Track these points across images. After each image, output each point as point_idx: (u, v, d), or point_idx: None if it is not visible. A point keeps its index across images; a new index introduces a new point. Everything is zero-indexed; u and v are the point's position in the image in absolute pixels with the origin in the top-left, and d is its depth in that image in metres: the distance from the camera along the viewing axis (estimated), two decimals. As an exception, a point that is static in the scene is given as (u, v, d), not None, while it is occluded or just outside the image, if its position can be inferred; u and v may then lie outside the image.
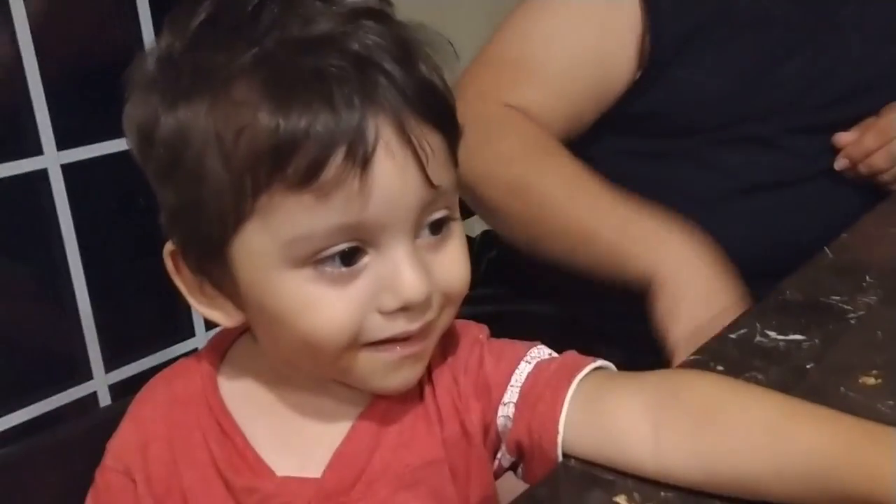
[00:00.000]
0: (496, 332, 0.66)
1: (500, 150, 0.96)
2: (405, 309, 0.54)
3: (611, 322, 1.06)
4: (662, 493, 0.54)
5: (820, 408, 0.53)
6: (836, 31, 1.01)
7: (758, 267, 0.96)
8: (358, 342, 0.55)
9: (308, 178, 0.50)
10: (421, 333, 0.56)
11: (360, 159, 0.50)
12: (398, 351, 0.56)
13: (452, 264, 0.57)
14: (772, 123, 0.99)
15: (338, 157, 0.50)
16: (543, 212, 0.93)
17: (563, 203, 0.92)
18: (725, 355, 0.68)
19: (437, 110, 0.54)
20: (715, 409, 0.54)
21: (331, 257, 0.53)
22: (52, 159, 1.50)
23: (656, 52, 0.99)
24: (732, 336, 0.71)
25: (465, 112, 1.00)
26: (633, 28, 0.99)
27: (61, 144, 1.51)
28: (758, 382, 0.63)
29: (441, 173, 0.54)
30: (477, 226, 1.26)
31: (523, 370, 0.61)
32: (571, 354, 0.62)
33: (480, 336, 0.64)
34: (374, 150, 0.51)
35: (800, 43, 0.99)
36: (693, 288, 0.84)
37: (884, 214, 0.93)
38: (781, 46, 0.99)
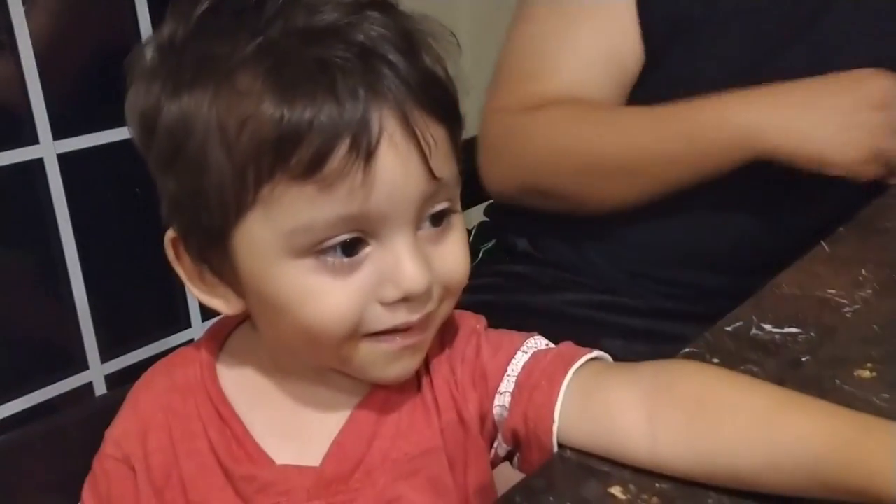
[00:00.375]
0: (493, 323, 0.66)
1: (539, 150, 0.98)
2: (406, 300, 0.54)
3: (608, 313, 1.06)
4: (657, 485, 0.54)
5: (814, 400, 0.53)
6: (833, 24, 1.01)
7: (754, 260, 0.96)
8: (358, 333, 0.55)
9: (311, 169, 0.50)
10: (421, 324, 0.56)
11: (364, 151, 0.50)
12: (398, 341, 0.56)
13: (453, 256, 0.57)
14: None
15: (341, 149, 0.50)
16: (619, 172, 0.95)
17: (623, 147, 0.95)
18: (721, 348, 0.68)
19: (440, 102, 0.54)
20: (709, 400, 0.54)
21: (332, 248, 0.53)
22: (48, 149, 1.50)
23: (650, 43, 0.99)
24: (728, 329, 0.71)
25: (491, 128, 1.02)
26: (634, 18, 0.99)
27: (57, 134, 1.51)
28: (753, 375, 0.63)
29: (443, 165, 0.54)
30: (474, 216, 1.26)
31: (520, 360, 0.61)
32: (568, 345, 0.63)
33: (478, 326, 0.64)
34: (378, 141, 0.51)
35: (795, 35, 0.99)
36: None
37: (880, 209, 0.93)
38: (774, 39, 0.99)
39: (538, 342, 0.63)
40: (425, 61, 0.54)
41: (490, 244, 1.21)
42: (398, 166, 0.52)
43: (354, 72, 0.50)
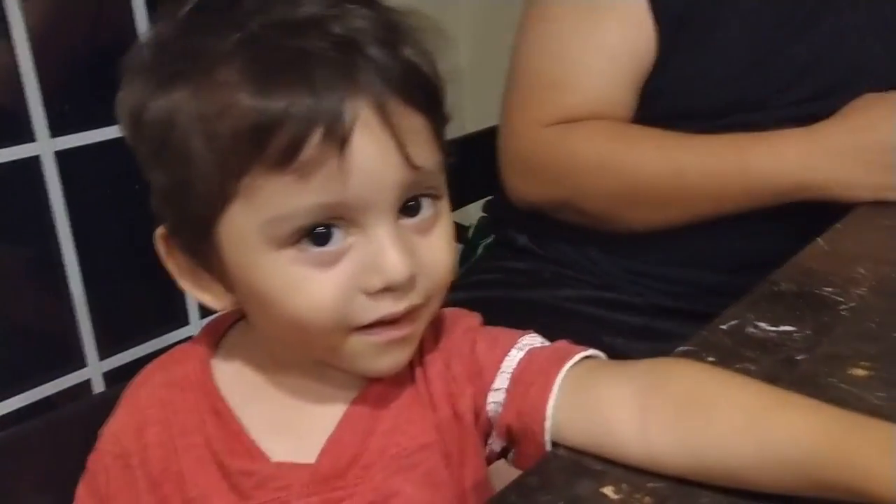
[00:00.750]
0: (493, 319, 0.66)
1: (581, 168, 0.99)
2: (390, 289, 0.55)
3: (608, 310, 1.06)
4: (650, 484, 0.54)
5: (805, 398, 0.53)
6: (834, 21, 1.01)
7: (753, 258, 0.96)
8: (346, 325, 0.55)
9: (287, 157, 0.51)
10: (407, 317, 0.57)
11: (339, 139, 0.51)
12: (386, 334, 0.57)
13: (437, 246, 0.58)
14: (764, 112, 0.99)
15: (316, 137, 0.51)
16: (662, 199, 0.97)
17: (670, 176, 0.96)
18: (717, 345, 0.68)
19: (419, 93, 0.55)
20: (702, 398, 0.55)
21: (314, 238, 0.54)
22: (45, 146, 1.50)
23: (660, 33, 0.99)
24: (724, 327, 0.70)
25: (524, 142, 1.02)
26: (648, 13, 0.99)
27: (55, 131, 1.51)
28: (749, 373, 0.63)
29: (423, 154, 0.55)
30: (473, 212, 1.26)
31: (515, 356, 0.61)
32: (563, 343, 0.63)
33: (473, 323, 0.65)
34: (352, 130, 0.51)
35: (796, 33, 1.00)
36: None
37: (878, 206, 0.92)
38: (776, 36, 0.99)
39: (534, 339, 0.63)
40: (406, 53, 0.54)
41: (489, 240, 1.21)
42: (375, 154, 0.52)
43: (332, 62, 0.51)
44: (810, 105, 0.98)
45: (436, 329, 0.62)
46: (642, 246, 1.04)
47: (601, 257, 1.07)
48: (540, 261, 1.11)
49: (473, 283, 1.13)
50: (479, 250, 1.20)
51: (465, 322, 0.64)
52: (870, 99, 0.94)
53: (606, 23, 1.00)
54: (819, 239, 0.86)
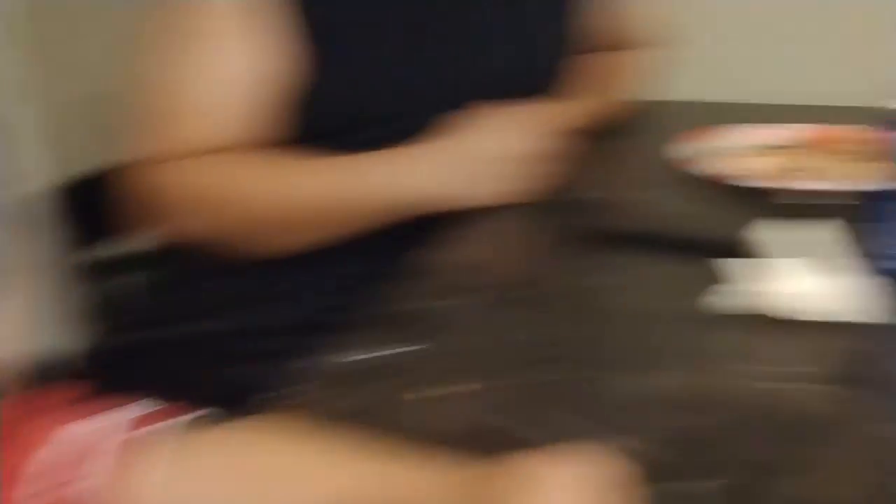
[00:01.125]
0: (129, 362, 0.59)
1: (210, 210, 0.96)
2: None
3: (247, 338, 1.01)
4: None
5: (354, 450, 0.53)
6: (476, 19, 1.04)
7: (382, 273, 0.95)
8: None
9: None
10: None
11: None
12: None
13: None
14: (402, 126, 0.99)
15: None
16: (283, 225, 0.96)
17: (288, 202, 0.95)
18: (317, 378, 0.65)
19: None
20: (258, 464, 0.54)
21: None
22: None
23: (313, 49, 0.97)
24: (326, 358, 0.67)
25: (147, 180, 0.96)
26: (283, 28, 0.96)
27: None
28: (349, 406, 0.61)
29: None
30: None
31: (108, 433, 0.56)
32: (160, 411, 0.58)
33: (60, 404, 0.58)
34: None
35: (440, 29, 1.02)
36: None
37: (491, 219, 0.94)
38: (423, 32, 1.01)
39: (135, 410, 0.58)
40: None
41: (131, 278, 1.14)
42: None
43: None
44: (442, 117, 0.99)
45: (19, 417, 0.55)
46: (279, 270, 1.01)
47: (238, 285, 1.03)
48: (178, 294, 1.06)
49: (113, 327, 1.05)
50: (117, 290, 1.13)
51: (47, 405, 0.57)
52: (476, 112, 0.97)
53: (223, 49, 0.97)
54: (425, 251, 0.85)
